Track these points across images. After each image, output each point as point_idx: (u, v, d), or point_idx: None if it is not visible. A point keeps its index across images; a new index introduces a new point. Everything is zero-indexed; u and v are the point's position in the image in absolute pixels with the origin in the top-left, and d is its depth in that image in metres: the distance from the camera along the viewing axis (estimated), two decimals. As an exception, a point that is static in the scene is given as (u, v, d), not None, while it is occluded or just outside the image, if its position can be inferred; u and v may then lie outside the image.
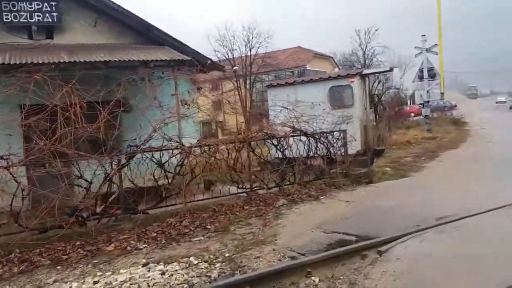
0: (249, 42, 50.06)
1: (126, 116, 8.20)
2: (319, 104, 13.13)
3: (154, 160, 7.24)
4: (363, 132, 13.16)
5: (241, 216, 6.80)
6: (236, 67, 46.10)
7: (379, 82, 25.05)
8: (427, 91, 19.78)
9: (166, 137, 7.24)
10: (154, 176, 7.24)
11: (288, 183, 8.54)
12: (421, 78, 20.05)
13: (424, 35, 20.03)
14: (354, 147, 12.78)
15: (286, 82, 13.64)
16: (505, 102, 50.46)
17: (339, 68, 37.71)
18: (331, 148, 9.23)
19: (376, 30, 28.92)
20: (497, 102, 55.84)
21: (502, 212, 5.81)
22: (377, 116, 25.15)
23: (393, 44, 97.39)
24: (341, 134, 9.31)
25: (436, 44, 19.62)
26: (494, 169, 9.64)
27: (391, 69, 14.49)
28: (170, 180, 7.32)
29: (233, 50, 50.57)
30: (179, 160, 7.44)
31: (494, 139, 15.87)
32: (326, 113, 13.01)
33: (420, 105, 20.09)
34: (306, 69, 42.42)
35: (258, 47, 49.71)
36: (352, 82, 12.71)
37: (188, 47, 10.11)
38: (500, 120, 26.61)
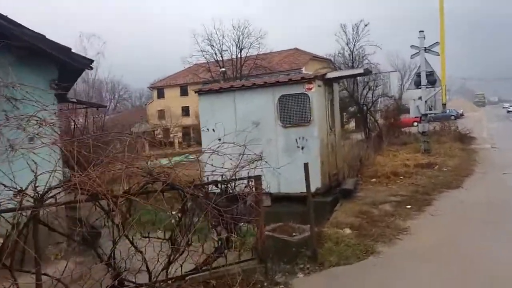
0: (239, 42, 46.50)
1: None
2: (267, 123, 9.24)
3: None
4: (326, 160, 9.16)
5: None
6: (223, 69, 42.39)
7: (368, 89, 21.09)
8: (425, 101, 15.73)
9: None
10: None
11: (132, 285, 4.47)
12: (417, 84, 16.00)
13: (423, 31, 15.97)
14: (312, 183, 8.85)
15: (221, 88, 9.68)
16: None
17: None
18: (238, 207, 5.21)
19: (366, 25, 24.76)
20: (508, 112, 51.69)
21: None
22: (367, 132, 21.14)
23: (397, 48, 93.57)
24: (250, 182, 5.16)
25: (437, 43, 15.57)
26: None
27: (367, 71, 10.50)
28: None
29: (222, 50, 47.07)
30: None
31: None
32: (275, 135, 9.17)
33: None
34: (301, 73, 38.33)
35: (249, 48, 46.14)
36: (309, 89, 8.74)
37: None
38: (513, 134, 22.46)
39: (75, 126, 17.65)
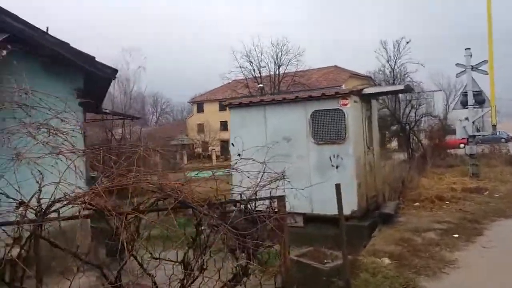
0: (277, 59, 46.49)
1: None
2: (299, 138, 8.73)
3: None
4: (364, 180, 8.49)
5: None
6: (261, 85, 42.36)
7: (411, 108, 20.07)
8: (473, 122, 14.65)
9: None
10: None
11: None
12: (464, 104, 14.96)
13: (469, 49, 14.99)
14: (347, 205, 8.19)
15: (251, 102, 9.28)
16: None
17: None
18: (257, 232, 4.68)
19: (407, 42, 23.77)
20: None
21: None
22: (411, 152, 20.05)
23: (441, 67, 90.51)
24: (273, 203, 4.59)
25: (485, 61, 14.54)
26: None
27: (408, 88, 9.76)
28: None
29: (261, 67, 47.20)
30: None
31: None
32: (307, 151, 8.64)
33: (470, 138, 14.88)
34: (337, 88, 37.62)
35: (287, 64, 46.02)
36: (344, 105, 8.17)
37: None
38: None
39: (112, 136, 17.84)
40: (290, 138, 8.83)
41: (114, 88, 24.68)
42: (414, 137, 21.55)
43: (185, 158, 39.63)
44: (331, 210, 8.01)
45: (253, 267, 4.16)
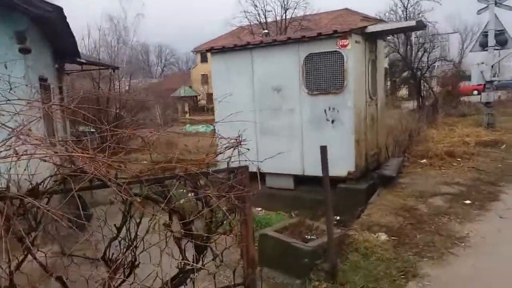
0: (284, 2, 43.71)
1: None
2: (290, 88, 7.55)
3: None
4: (363, 136, 7.39)
5: None
6: (266, 31, 40.15)
7: (424, 52, 18.41)
8: (492, 66, 13.16)
9: None
10: None
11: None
12: (483, 45, 13.37)
13: (493, -19, 13.17)
14: (344, 165, 7.17)
15: (235, 46, 7.98)
16: None
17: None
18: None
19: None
20: None
21: None
22: (421, 101, 18.65)
23: (458, 9, 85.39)
24: (234, 175, 3.48)
25: (512, -5, 12.83)
26: None
27: (420, 25, 8.26)
28: None
29: (266, 11, 44.62)
30: None
31: None
32: (300, 103, 7.50)
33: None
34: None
35: (295, 8, 43.33)
36: (343, 46, 6.88)
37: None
38: None
39: (99, 89, 16.64)
40: (280, 88, 7.64)
41: (112, 38, 23.00)
42: (425, 84, 20.03)
43: (187, 110, 38.55)
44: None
45: (199, 265, 3.17)
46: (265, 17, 44.36)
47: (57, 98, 8.67)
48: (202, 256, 3.29)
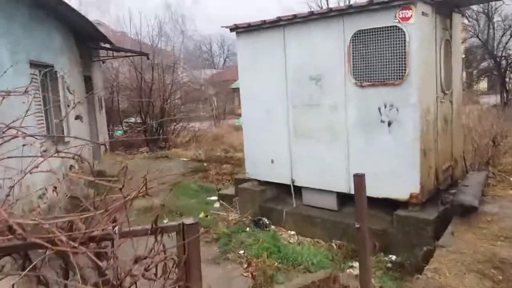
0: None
1: None
2: (332, 78, 5.74)
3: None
4: (433, 145, 5.37)
5: None
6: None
7: (510, 37, 15.35)
8: None
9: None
10: None
11: None
12: None
13: None
14: (404, 184, 5.23)
15: (263, 22, 6.20)
16: None
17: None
18: None
19: None
20: None
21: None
22: (506, 96, 15.67)
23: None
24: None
25: None
26: None
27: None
28: None
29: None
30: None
31: None
32: (344, 97, 5.68)
33: None
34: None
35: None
36: (405, 19, 4.89)
37: None
38: None
39: (142, 79, 15.63)
40: (319, 77, 5.81)
41: (172, 28, 21.87)
42: (512, 76, 16.90)
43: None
44: (381, 189, 5.17)
45: None
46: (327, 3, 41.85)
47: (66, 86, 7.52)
48: None
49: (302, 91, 6.01)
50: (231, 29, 6.60)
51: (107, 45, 10.54)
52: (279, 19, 5.98)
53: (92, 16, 23.81)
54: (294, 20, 5.86)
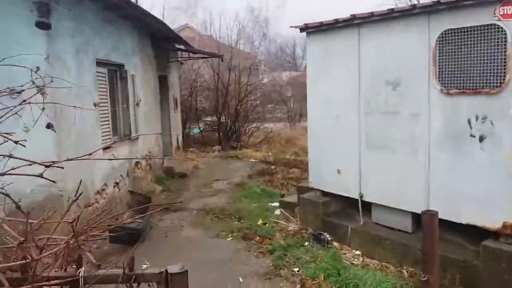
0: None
1: None
2: (413, 83, 5.08)
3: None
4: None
5: None
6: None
7: None
8: None
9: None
10: None
11: None
12: None
13: None
14: (497, 211, 4.41)
15: (336, 21, 5.65)
16: None
17: None
18: None
19: None
20: None
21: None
22: None
23: None
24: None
25: None
26: None
27: None
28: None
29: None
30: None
31: None
32: (428, 105, 4.98)
33: None
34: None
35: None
36: (508, 17, 4.09)
37: None
38: None
39: (219, 80, 15.75)
40: (398, 82, 5.15)
41: (254, 31, 22.07)
42: None
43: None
44: (466, 214, 4.43)
45: None
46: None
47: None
48: None
49: (377, 96, 5.39)
50: (301, 29, 6.16)
51: (181, 46, 10.64)
52: (353, 17, 5.41)
53: (180, 20, 24.69)
54: (370, 19, 5.25)
